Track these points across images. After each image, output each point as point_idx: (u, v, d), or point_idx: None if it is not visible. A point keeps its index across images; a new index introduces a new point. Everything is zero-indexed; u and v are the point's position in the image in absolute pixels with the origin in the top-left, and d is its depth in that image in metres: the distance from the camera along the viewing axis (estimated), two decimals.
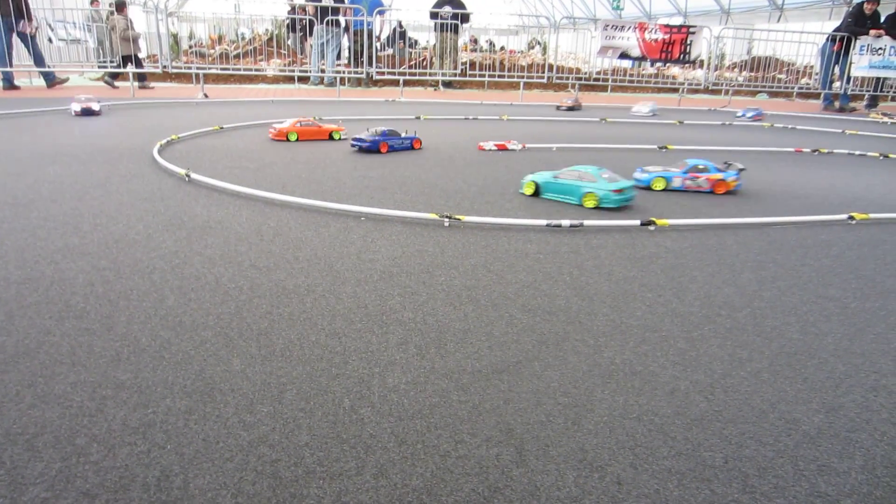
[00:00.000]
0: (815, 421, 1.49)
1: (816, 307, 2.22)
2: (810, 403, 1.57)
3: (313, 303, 2.07)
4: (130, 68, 10.36)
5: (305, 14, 12.27)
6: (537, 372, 1.67)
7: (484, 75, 12.79)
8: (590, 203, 3.47)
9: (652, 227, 3.13)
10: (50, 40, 10.54)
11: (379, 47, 12.71)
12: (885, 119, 9.93)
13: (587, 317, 2.05)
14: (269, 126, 6.04)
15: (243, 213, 3.15)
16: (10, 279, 2.19)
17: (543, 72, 12.54)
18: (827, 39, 11.86)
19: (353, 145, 5.23)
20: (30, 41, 9.54)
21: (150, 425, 1.38)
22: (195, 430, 1.36)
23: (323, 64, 12.05)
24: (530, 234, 2.97)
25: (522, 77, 12.20)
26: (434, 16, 12.10)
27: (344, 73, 12.02)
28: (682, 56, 11.46)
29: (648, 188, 4.04)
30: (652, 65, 13.68)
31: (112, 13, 10.68)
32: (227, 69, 11.71)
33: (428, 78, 12.44)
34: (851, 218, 3.43)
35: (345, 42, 12.69)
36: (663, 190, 4.03)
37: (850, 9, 11.99)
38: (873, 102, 12.11)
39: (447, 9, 11.92)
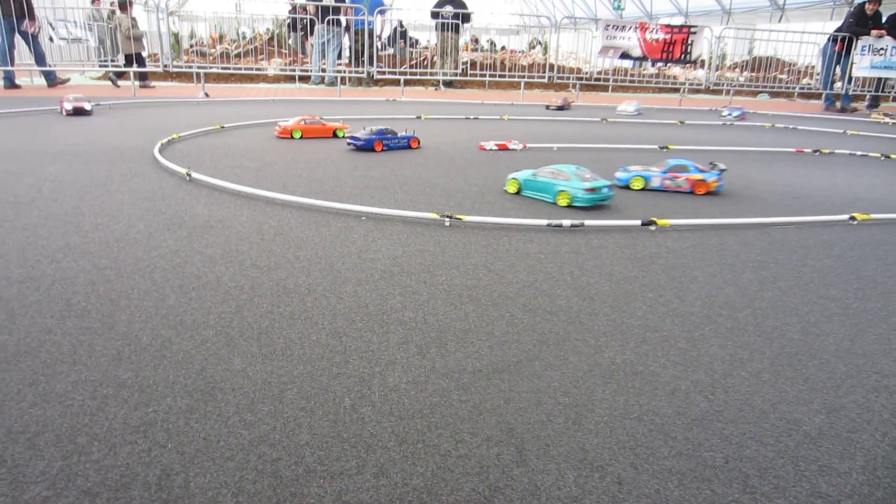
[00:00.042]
0: (816, 421, 1.49)
1: (818, 307, 2.22)
2: (811, 404, 1.57)
3: (314, 302, 2.07)
4: (133, 67, 10.37)
5: (306, 13, 12.27)
6: (538, 372, 1.67)
7: (485, 75, 12.79)
8: (563, 201, 3.48)
9: (653, 227, 3.13)
10: (51, 39, 10.54)
11: (380, 47, 12.72)
12: (887, 119, 9.93)
13: (588, 317, 2.05)
14: (270, 125, 6.06)
15: (244, 213, 3.15)
16: (11, 278, 2.20)
17: (544, 72, 12.53)
18: (828, 40, 11.85)
19: (349, 144, 5.28)
20: (31, 40, 9.55)
21: (151, 424, 1.38)
22: (196, 428, 1.37)
23: (324, 63, 12.05)
24: (531, 234, 2.97)
25: (523, 77, 12.20)
26: (435, 15, 12.10)
27: (345, 72, 12.02)
28: (683, 56, 11.45)
29: (627, 187, 4.05)
30: (653, 65, 13.67)
31: (114, 12, 10.68)
32: (228, 68, 11.71)
33: (429, 77, 12.44)
34: (853, 218, 3.43)
35: (346, 41, 12.68)
36: (642, 189, 4.04)
37: (852, 9, 11.97)
38: (875, 103, 12.11)
39: (448, 8, 11.91)
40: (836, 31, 11.73)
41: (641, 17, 24.64)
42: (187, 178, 3.84)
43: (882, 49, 11.14)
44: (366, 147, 5.15)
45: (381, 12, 12.03)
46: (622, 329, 1.96)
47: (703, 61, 12.49)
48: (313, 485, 1.21)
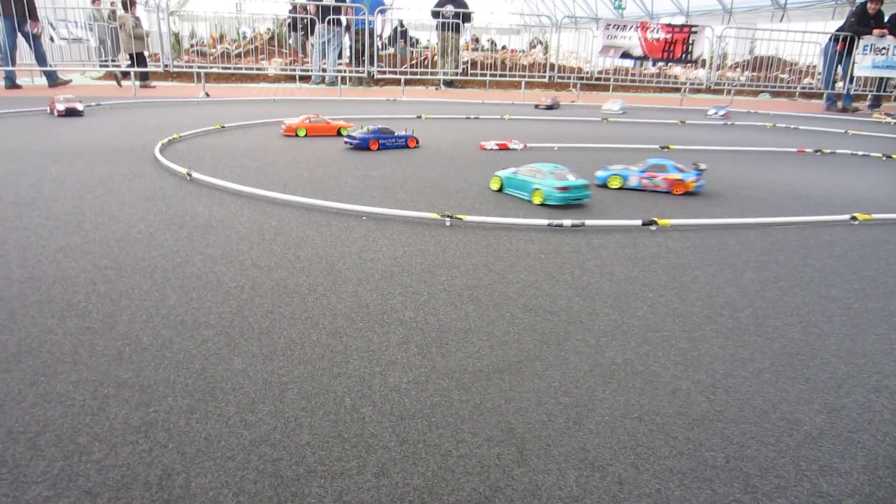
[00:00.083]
0: (816, 421, 1.49)
1: (819, 308, 2.21)
2: (812, 404, 1.57)
3: (315, 302, 2.07)
4: (135, 67, 10.37)
5: (307, 13, 12.27)
6: (538, 371, 1.67)
7: (485, 74, 12.77)
8: (537, 199, 3.51)
9: (654, 227, 3.13)
10: (52, 39, 10.55)
11: (380, 46, 12.71)
12: (889, 119, 9.91)
13: (588, 316, 2.05)
14: (270, 125, 6.07)
15: (245, 213, 3.16)
16: (12, 278, 2.20)
17: (545, 71, 12.53)
18: (830, 39, 11.82)
19: (346, 143, 5.31)
20: (32, 40, 9.56)
21: (152, 424, 1.38)
22: (197, 428, 1.37)
23: (324, 63, 12.05)
24: (532, 234, 2.97)
25: (524, 76, 12.19)
26: (436, 15, 12.09)
27: (345, 72, 12.02)
28: (684, 56, 11.44)
29: (605, 186, 4.07)
30: (654, 64, 13.66)
31: (114, 11, 10.69)
32: (229, 68, 11.71)
33: (429, 77, 12.44)
34: (854, 218, 3.42)
35: (346, 41, 12.68)
36: (620, 188, 4.05)
37: (854, 8, 11.95)
38: (876, 102, 12.09)
39: (449, 8, 11.91)
40: (837, 30, 11.70)
41: (642, 17, 24.63)
42: (188, 177, 3.84)
43: (884, 48, 11.12)
44: (361, 146, 5.17)
45: (382, 12, 12.03)
46: (623, 329, 1.96)
47: (704, 61, 12.48)
48: (314, 485, 1.21)
